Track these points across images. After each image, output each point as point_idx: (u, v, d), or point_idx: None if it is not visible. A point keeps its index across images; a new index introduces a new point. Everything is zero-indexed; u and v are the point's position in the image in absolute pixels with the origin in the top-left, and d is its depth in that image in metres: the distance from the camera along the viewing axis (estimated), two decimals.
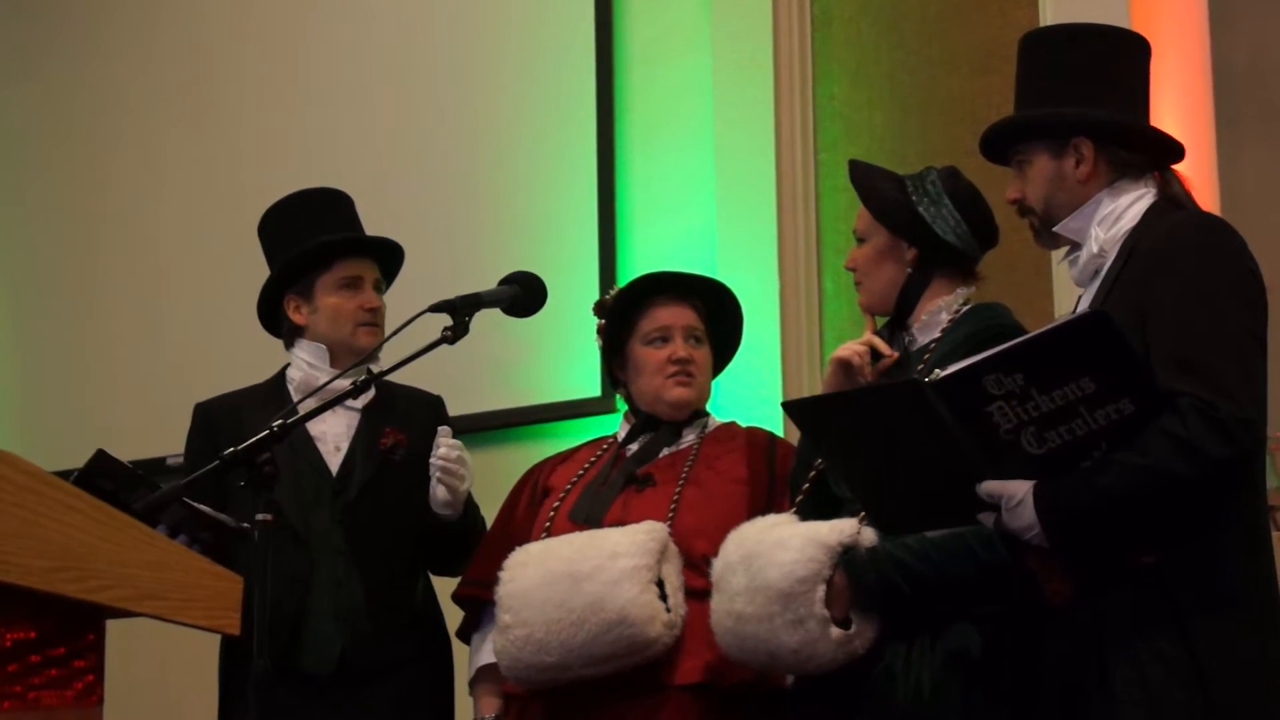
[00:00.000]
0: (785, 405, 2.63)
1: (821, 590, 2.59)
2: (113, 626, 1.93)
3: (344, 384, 2.92)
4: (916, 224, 2.89)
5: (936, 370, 2.32)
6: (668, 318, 3.15)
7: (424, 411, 3.36)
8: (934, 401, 2.28)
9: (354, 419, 3.27)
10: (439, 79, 4.83)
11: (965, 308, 2.88)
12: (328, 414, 3.15)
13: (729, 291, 3.22)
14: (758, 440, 3.15)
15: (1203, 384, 2.28)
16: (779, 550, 2.63)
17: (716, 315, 3.21)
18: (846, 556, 2.62)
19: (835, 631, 2.60)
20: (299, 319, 3.32)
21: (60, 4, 5.63)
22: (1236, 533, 2.37)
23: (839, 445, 2.51)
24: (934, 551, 2.59)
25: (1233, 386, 2.29)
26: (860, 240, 2.96)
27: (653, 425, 3.17)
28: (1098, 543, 2.34)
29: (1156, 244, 2.44)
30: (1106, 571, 2.36)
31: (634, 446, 3.17)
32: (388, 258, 3.38)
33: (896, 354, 2.86)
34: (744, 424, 3.26)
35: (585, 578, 2.82)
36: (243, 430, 3.01)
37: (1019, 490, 2.32)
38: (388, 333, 3.18)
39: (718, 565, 2.74)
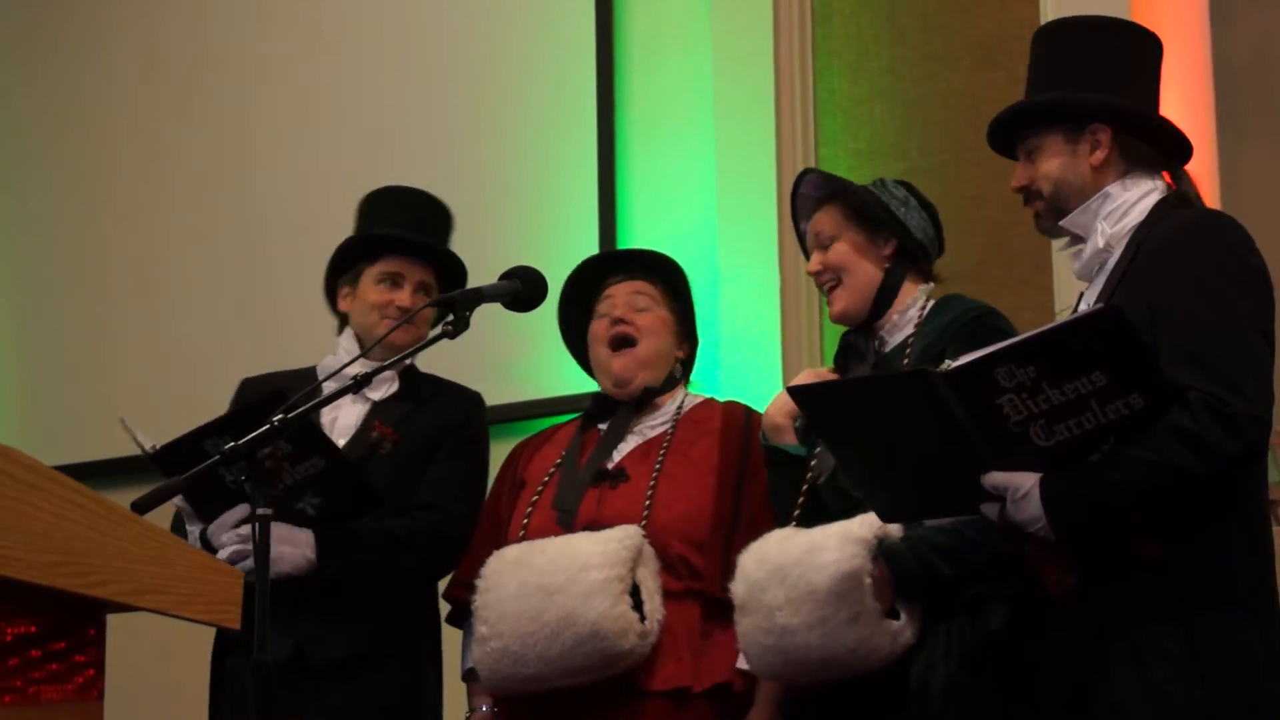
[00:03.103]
0: (790, 390, 2.62)
1: (869, 584, 2.57)
2: (114, 621, 1.92)
3: (353, 369, 2.87)
4: (892, 219, 2.91)
5: (947, 361, 2.32)
6: (613, 293, 3.16)
7: (451, 408, 3.33)
8: (943, 392, 2.28)
9: (364, 411, 3.26)
10: (439, 73, 4.83)
11: (929, 304, 2.90)
12: (344, 404, 3.16)
13: (667, 258, 3.20)
14: (734, 419, 3.10)
15: (1212, 379, 2.28)
16: (816, 554, 2.60)
17: (679, 291, 3.20)
18: (883, 546, 2.61)
19: (889, 623, 2.59)
20: (344, 306, 3.34)
21: None
22: (1239, 527, 2.38)
23: (842, 433, 2.50)
24: (966, 529, 2.58)
25: (1242, 382, 2.29)
26: (826, 243, 2.93)
27: (610, 406, 3.14)
28: (1104, 536, 2.35)
29: (1164, 240, 2.44)
30: (1109, 563, 2.37)
31: (604, 428, 3.13)
32: (446, 266, 3.35)
33: None
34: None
35: (557, 590, 2.79)
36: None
37: (1025, 483, 2.32)
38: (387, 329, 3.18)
39: (741, 588, 2.70)
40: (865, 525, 2.61)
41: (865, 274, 2.91)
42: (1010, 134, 2.69)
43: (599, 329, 3.15)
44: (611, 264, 3.27)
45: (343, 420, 3.24)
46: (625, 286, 3.17)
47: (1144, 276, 2.42)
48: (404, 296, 3.27)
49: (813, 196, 3.01)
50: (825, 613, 2.56)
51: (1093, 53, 2.60)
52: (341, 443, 3.19)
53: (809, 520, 2.78)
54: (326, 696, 3.05)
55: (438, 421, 3.28)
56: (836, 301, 2.93)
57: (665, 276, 3.21)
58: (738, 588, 2.71)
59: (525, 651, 2.81)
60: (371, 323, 3.28)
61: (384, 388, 3.28)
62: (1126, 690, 2.32)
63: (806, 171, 3.06)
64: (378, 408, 3.26)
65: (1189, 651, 2.29)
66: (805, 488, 2.83)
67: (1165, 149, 2.61)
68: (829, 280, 2.93)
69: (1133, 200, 2.55)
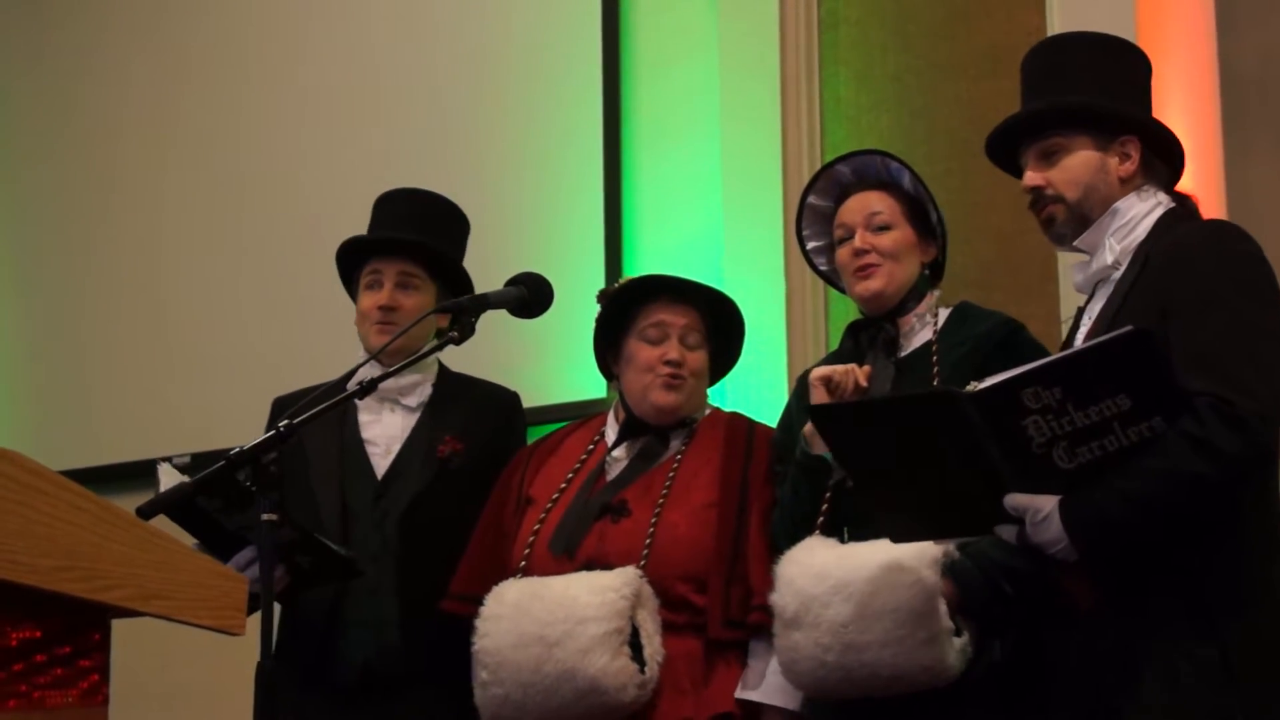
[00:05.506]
0: (811, 409, 2.62)
1: (943, 604, 2.57)
2: (118, 626, 1.93)
3: (397, 382, 2.95)
4: (938, 226, 2.95)
5: (974, 383, 2.33)
6: (667, 316, 3.11)
7: (495, 412, 3.35)
8: (968, 412, 2.28)
9: (410, 420, 3.26)
10: (445, 79, 4.83)
11: (943, 310, 2.94)
12: (384, 414, 3.19)
13: (734, 304, 3.17)
14: (736, 438, 3.09)
15: (1219, 382, 2.30)
16: (895, 572, 2.58)
17: (719, 325, 3.17)
18: (949, 563, 2.61)
19: (957, 640, 2.59)
20: (356, 320, 3.36)
21: None
22: (1259, 536, 2.39)
23: (860, 452, 2.50)
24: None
25: (1249, 383, 2.31)
26: (879, 226, 2.94)
27: (639, 429, 3.13)
28: (1126, 549, 2.35)
29: (1172, 248, 2.46)
30: (1134, 578, 2.37)
31: (619, 454, 3.12)
32: (430, 255, 3.34)
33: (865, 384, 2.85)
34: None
35: (556, 644, 2.79)
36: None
37: (1045, 505, 2.33)
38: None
39: (790, 603, 2.68)
40: (935, 543, 2.60)
41: (908, 268, 2.95)
42: (1015, 139, 2.69)
43: (647, 357, 3.10)
44: (668, 284, 3.18)
45: (384, 434, 3.24)
46: (679, 314, 3.12)
47: (1154, 285, 2.44)
48: (383, 296, 3.28)
49: (857, 177, 3.01)
50: (902, 632, 2.56)
51: (1107, 67, 2.61)
52: (390, 456, 3.21)
53: (830, 527, 2.78)
54: (386, 708, 3.08)
55: (494, 425, 3.32)
56: (876, 279, 2.93)
57: (713, 308, 3.16)
58: (786, 601, 2.69)
59: (526, 700, 2.83)
60: (365, 331, 3.30)
61: (417, 393, 3.27)
62: (1155, 699, 2.32)
63: (872, 152, 3.05)
64: (427, 417, 3.26)
65: (1218, 659, 2.30)
66: (828, 494, 2.82)
67: (1174, 167, 2.63)
68: (874, 261, 2.93)
69: (1140, 215, 2.57)
